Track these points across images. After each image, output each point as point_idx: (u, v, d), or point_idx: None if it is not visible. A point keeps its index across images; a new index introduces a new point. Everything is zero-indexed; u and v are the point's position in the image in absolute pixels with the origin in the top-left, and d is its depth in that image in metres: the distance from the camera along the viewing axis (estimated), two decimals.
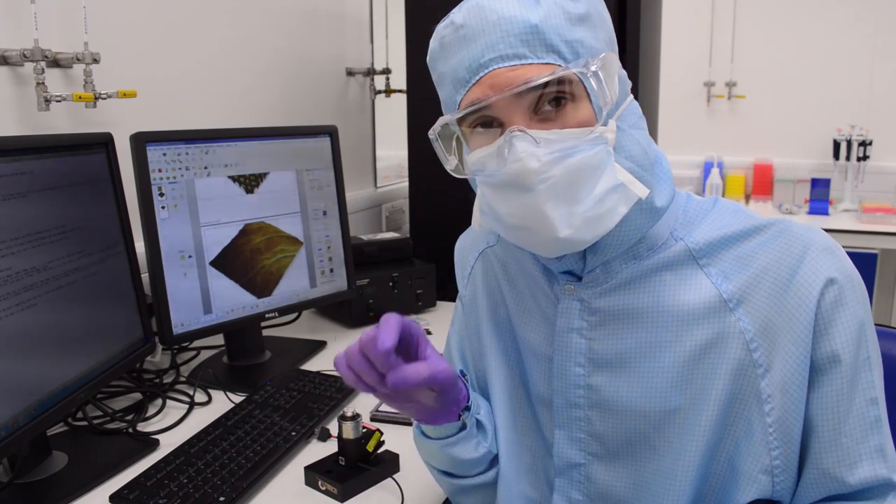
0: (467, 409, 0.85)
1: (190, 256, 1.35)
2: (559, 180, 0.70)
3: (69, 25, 1.34)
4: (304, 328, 1.73)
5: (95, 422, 1.21)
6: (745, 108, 3.71)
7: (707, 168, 3.67)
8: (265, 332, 1.59)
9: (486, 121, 0.73)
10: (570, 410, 0.83)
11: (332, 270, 1.61)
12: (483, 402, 0.92)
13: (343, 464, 1.04)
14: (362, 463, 1.04)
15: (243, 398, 1.30)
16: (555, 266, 0.82)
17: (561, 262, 0.81)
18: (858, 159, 3.37)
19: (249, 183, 1.45)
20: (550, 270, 0.84)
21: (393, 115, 2.27)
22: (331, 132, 1.61)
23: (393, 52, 2.34)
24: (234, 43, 1.78)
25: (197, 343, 1.56)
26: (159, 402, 1.30)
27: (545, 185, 0.69)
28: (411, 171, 2.06)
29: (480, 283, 0.94)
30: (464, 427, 0.85)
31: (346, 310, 1.73)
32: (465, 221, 0.90)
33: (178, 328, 1.33)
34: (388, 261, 1.83)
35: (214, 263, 1.39)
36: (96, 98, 1.33)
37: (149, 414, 1.26)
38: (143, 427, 1.22)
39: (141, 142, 1.29)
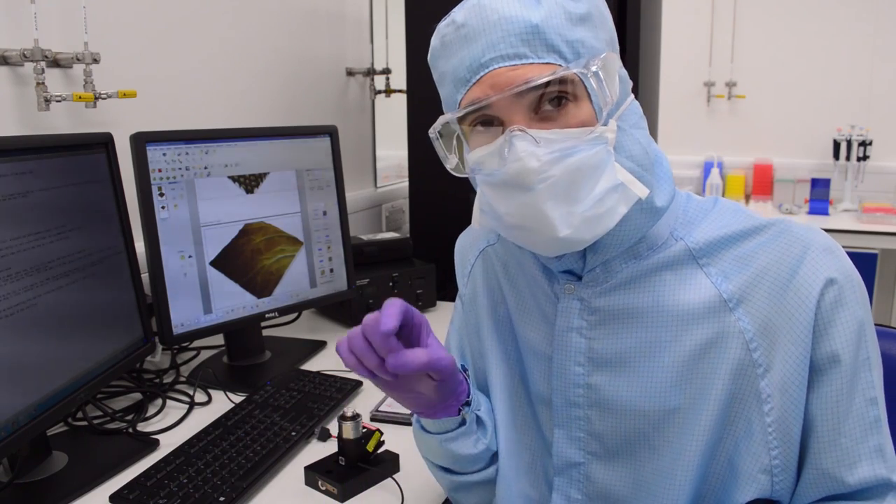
0: (467, 404, 0.85)
1: (190, 256, 1.35)
2: (559, 180, 0.70)
3: (69, 25, 1.34)
4: (304, 328, 1.73)
5: (95, 422, 1.21)
6: (745, 108, 3.71)
7: (707, 168, 3.67)
8: (265, 332, 1.59)
9: (487, 120, 0.74)
10: (569, 409, 0.83)
11: (332, 270, 1.61)
12: (483, 398, 0.92)
13: (343, 464, 1.04)
14: (362, 463, 1.04)
15: (243, 398, 1.30)
16: (555, 265, 0.82)
17: (561, 262, 0.81)
18: (858, 159, 3.38)
19: (249, 183, 1.45)
20: (550, 270, 0.84)
21: (393, 115, 2.27)
22: (331, 132, 1.61)
23: (393, 52, 2.34)
24: (234, 43, 1.78)
25: (197, 343, 1.56)
26: (159, 402, 1.30)
27: (545, 185, 0.70)
28: (411, 171, 2.06)
29: (481, 281, 0.94)
30: (463, 422, 0.85)
31: (346, 310, 1.73)
32: (465, 221, 0.90)
33: (178, 328, 1.33)
34: (388, 261, 1.83)
35: (214, 263, 1.39)
36: (96, 98, 1.33)
37: (149, 414, 1.26)
38: (143, 427, 1.22)
39: (141, 142, 1.29)
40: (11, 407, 0.95)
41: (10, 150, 1.01)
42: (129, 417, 1.24)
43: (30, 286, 1.00)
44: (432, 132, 0.77)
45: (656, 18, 2.24)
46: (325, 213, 1.60)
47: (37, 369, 1.01)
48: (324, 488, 1.02)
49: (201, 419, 1.23)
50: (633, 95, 0.79)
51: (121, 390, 1.34)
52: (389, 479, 1.05)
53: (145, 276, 1.31)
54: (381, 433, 1.06)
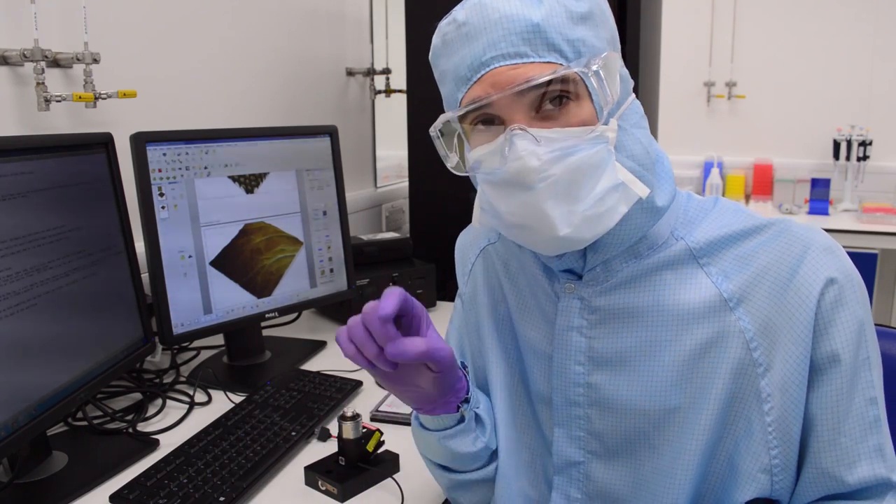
0: (466, 401, 0.85)
1: (190, 256, 1.35)
2: (559, 179, 0.70)
3: (69, 25, 1.34)
4: (304, 328, 1.73)
5: (95, 422, 1.21)
6: (745, 108, 3.71)
7: (707, 168, 3.67)
8: (265, 332, 1.59)
9: (488, 119, 0.74)
10: (569, 409, 0.83)
11: (332, 270, 1.61)
12: (483, 396, 0.92)
13: (343, 464, 1.04)
14: (362, 463, 1.04)
15: (243, 398, 1.30)
16: (555, 264, 0.82)
17: (561, 261, 0.81)
18: (858, 159, 3.38)
19: (249, 183, 1.45)
20: (551, 269, 0.84)
21: (393, 115, 2.27)
22: (331, 132, 1.61)
23: (393, 52, 2.34)
24: (234, 43, 1.78)
25: (197, 343, 1.56)
26: (159, 402, 1.30)
27: (545, 184, 0.70)
28: (411, 171, 2.06)
29: (481, 280, 0.94)
30: (462, 420, 0.85)
31: (346, 310, 1.73)
32: (466, 221, 0.90)
33: (178, 328, 1.33)
34: (388, 261, 1.83)
35: (214, 263, 1.39)
36: (96, 98, 1.33)
37: (149, 414, 1.26)
38: (143, 427, 1.22)
39: (141, 142, 1.29)
40: (11, 407, 0.95)
41: (10, 150, 1.01)
42: (129, 417, 1.24)
43: (30, 286, 1.00)
44: (433, 131, 0.77)
45: (656, 18, 2.24)
46: (325, 213, 1.59)
47: (37, 369, 1.01)
48: (324, 488, 1.02)
49: (201, 419, 1.23)
50: (634, 95, 0.79)
51: (121, 390, 1.34)
52: (389, 479, 1.05)
53: (145, 276, 1.31)
54: (381, 433, 1.06)
